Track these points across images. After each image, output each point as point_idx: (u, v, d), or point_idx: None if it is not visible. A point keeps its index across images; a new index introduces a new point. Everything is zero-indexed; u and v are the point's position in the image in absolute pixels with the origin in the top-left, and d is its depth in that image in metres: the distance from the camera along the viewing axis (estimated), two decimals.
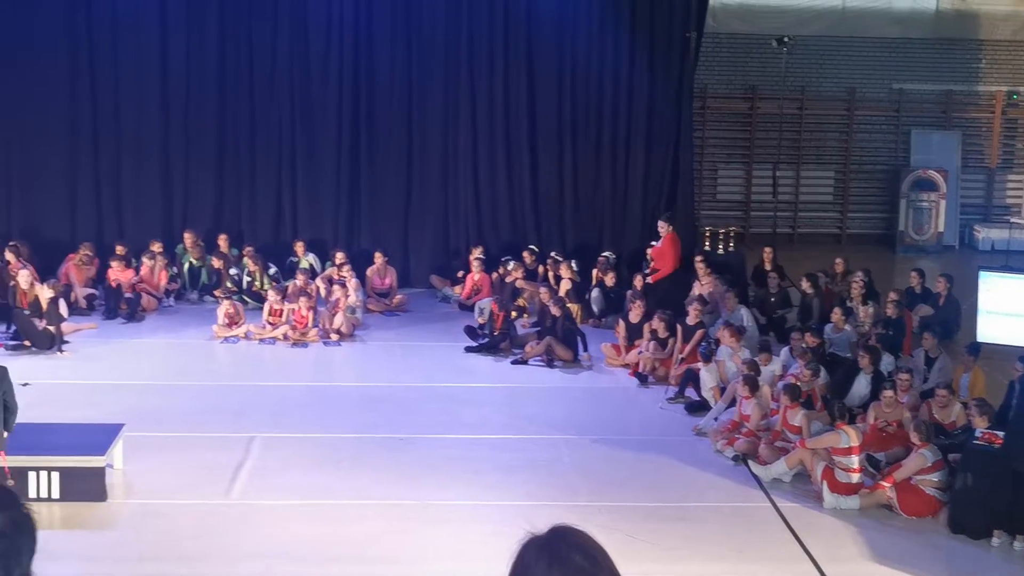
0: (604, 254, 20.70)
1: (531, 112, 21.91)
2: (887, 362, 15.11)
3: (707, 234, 23.05)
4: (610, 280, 19.76)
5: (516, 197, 22.08)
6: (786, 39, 22.89)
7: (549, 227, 22.10)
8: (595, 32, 21.77)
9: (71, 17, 21.22)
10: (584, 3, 21.67)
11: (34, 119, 21.32)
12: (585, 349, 17.35)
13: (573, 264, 20.10)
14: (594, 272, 20.18)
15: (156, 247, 20.36)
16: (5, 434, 11.02)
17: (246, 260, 20.34)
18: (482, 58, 21.69)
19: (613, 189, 22.17)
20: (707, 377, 15.24)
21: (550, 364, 17.06)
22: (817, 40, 25.82)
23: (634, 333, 17.31)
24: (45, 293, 17.50)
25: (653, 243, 20.64)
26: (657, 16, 21.75)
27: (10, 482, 11.02)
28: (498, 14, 21.65)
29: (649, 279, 19.52)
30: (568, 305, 18.19)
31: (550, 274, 20.24)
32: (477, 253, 20.78)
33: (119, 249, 20.02)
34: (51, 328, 17.23)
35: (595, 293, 19.72)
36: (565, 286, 19.31)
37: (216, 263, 20.44)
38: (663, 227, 19.97)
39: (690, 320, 16.84)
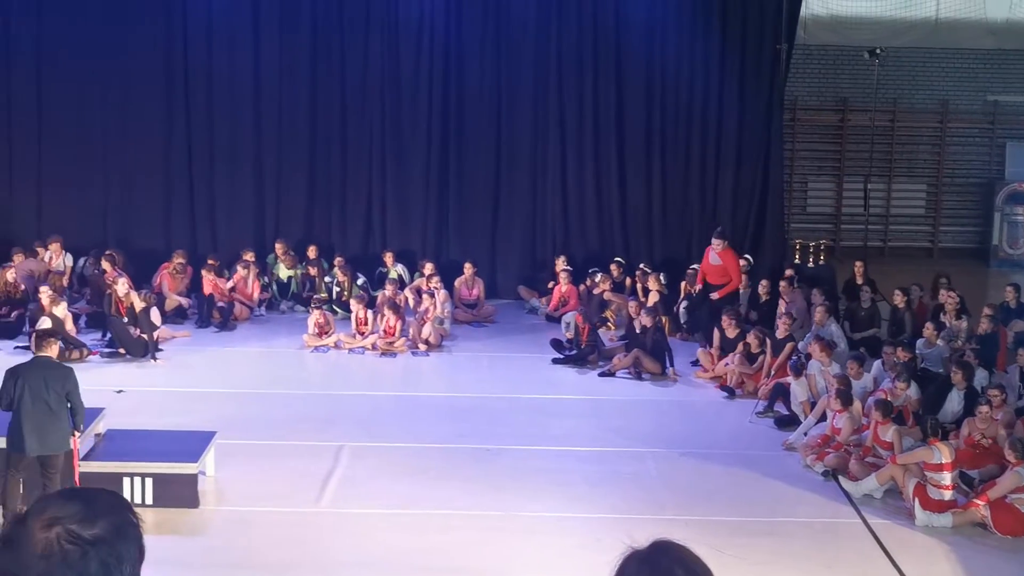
0: (692, 267, 20.60)
1: (620, 123, 21.91)
2: (980, 378, 14.88)
3: (797, 247, 22.87)
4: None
5: (604, 208, 22.07)
6: (878, 51, 22.66)
7: (637, 239, 22.07)
8: (685, 43, 21.73)
9: (167, 29, 21.61)
10: (674, 14, 21.63)
11: (130, 129, 21.74)
12: (671, 363, 17.28)
13: (661, 276, 20.03)
14: (682, 285, 20.09)
15: (248, 256, 20.63)
16: (77, 433, 11.14)
17: (336, 270, 20.55)
18: (571, 69, 21.74)
19: (702, 201, 22.09)
20: (797, 391, 15.11)
21: (639, 376, 17.02)
22: (910, 52, 25.54)
23: (729, 347, 17.22)
24: (139, 302, 17.79)
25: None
26: (748, 28, 21.67)
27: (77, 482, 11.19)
28: (587, 24, 21.68)
29: (715, 295, 19.25)
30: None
31: (638, 286, 20.19)
32: (563, 264, 20.77)
33: (211, 260, 20.32)
34: (145, 336, 17.50)
35: (683, 306, 19.63)
36: (653, 298, 19.25)
37: (312, 271, 20.68)
38: (719, 243, 19.24)
39: (780, 334, 16.71)
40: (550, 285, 20.97)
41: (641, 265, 20.69)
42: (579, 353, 17.80)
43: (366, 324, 18.59)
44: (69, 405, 10.96)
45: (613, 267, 20.67)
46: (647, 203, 22.08)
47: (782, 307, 18.32)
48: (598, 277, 20.29)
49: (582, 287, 20.38)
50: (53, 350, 11.26)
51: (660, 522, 11.47)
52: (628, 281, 20.60)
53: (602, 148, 21.95)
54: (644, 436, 14.57)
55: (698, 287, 19.42)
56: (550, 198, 22.04)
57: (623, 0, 21.63)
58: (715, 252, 19.10)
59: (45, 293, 17.84)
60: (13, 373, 11.27)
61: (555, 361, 17.77)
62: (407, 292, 19.96)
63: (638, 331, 17.53)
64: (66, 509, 2.44)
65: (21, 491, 11.03)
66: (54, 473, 11.01)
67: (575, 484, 12.86)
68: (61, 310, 17.32)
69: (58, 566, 2.38)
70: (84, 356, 17.33)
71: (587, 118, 21.90)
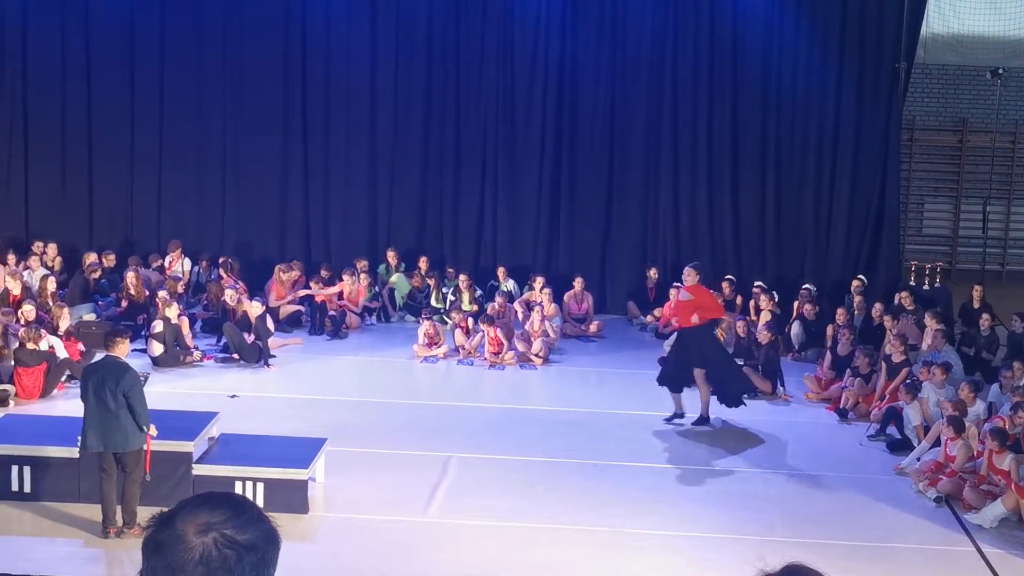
0: (806, 286, 20.39)
1: (734, 139, 21.78)
2: None
3: (912, 269, 22.51)
4: (810, 313, 19.45)
5: (716, 226, 21.95)
6: (1001, 71, 22.24)
7: (749, 257, 21.91)
8: (802, 61, 21.54)
9: (286, 41, 21.97)
10: (791, 30, 21.46)
11: (248, 138, 22.14)
12: (783, 383, 17.10)
13: (774, 295, 19.85)
14: (794, 304, 19.88)
15: (361, 265, 20.86)
16: (148, 430, 11.27)
17: (457, 281, 20.67)
18: (686, 85, 21.67)
19: (816, 220, 21.86)
20: (911, 415, 14.86)
21: (752, 396, 16.85)
22: None
23: (841, 366, 16.99)
24: (254, 309, 18.05)
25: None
26: (867, 46, 21.43)
27: (147, 478, 11.35)
28: (703, 41, 21.60)
29: (674, 323, 16.74)
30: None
31: (751, 304, 20.02)
32: (655, 276, 20.65)
33: (323, 271, 20.57)
34: (259, 342, 17.76)
35: (795, 326, 19.42)
36: (765, 317, 19.07)
37: (430, 281, 20.83)
38: (692, 275, 15.54)
39: (895, 357, 16.46)
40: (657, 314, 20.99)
41: (757, 283, 20.50)
42: None
43: (468, 335, 18.73)
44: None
45: (724, 285, 20.53)
46: (760, 221, 21.91)
47: (895, 329, 18.04)
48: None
49: None
50: (121, 349, 11.35)
51: (769, 543, 11.37)
52: (739, 299, 20.44)
53: (715, 165, 21.83)
54: (753, 456, 14.44)
55: (662, 326, 19.05)
56: (662, 214, 21.98)
57: (740, 16, 21.51)
58: (685, 288, 15.68)
59: (162, 297, 18.22)
60: (85, 372, 11.62)
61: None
62: (516, 305, 20.01)
63: (752, 349, 17.37)
64: (219, 514, 2.46)
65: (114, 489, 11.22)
66: (130, 471, 11.20)
67: (682, 502, 12.78)
68: (173, 312, 17.65)
69: (217, 571, 2.41)
70: (197, 360, 17.65)
71: (701, 135, 21.80)
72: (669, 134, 21.77)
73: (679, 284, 20.36)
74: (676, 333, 16.00)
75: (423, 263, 21.27)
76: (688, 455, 14.38)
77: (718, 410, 15.87)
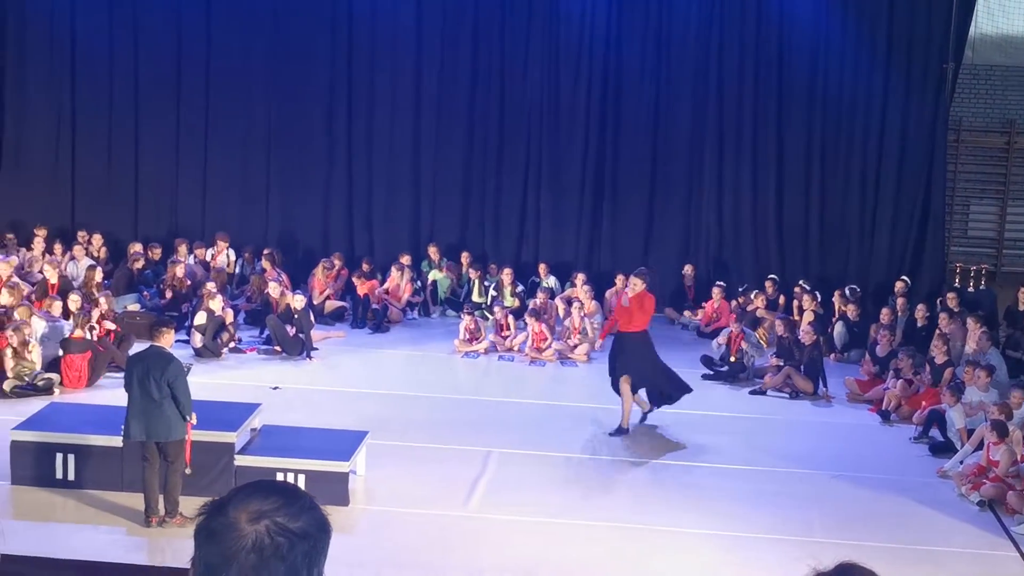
0: (849, 286, 20.27)
1: (779, 139, 21.68)
2: None
3: (957, 271, 22.34)
4: (853, 313, 19.34)
5: (759, 225, 21.85)
6: None
7: (792, 257, 21.80)
8: (848, 60, 21.41)
9: (332, 36, 22.05)
10: (837, 29, 21.33)
11: (294, 133, 22.23)
12: (825, 383, 17.02)
13: (817, 295, 19.75)
14: (834, 304, 19.77)
15: (404, 259, 20.91)
16: (191, 421, 11.32)
17: (499, 277, 20.67)
18: (731, 82, 21.58)
19: (860, 220, 21.73)
20: (955, 418, 14.75)
21: (794, 396, 16.79)
22: None
23: (882, 366, 16.89)
24: (297, 301, 18.13)
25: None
26: (914, 46, 21.27)
27: (188, 471, 11.42)
28: (749, 38, 21.50)
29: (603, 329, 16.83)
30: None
31: (794, 303, 19.93)
32: (692, 272, 20.73)
33: (365, 265, 20.64)
34: (301, 335, 17.84)
35: (838, 326, 19.32)
36: (808, 317, 18.97)
37: (473, 275, 20.86)
38: (639, 283, 14.83)
39: (938, 360, 16.35)
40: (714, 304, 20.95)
41: (800, 282, 20.40)
42: (730, 370, 17.65)
43: (509, 331, 18.76)
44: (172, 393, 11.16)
45: (767, 284, 20.45)
46: (804, 221, 21.80)
47: (948, 329, 17.87)
48: (753, 294, 20.10)
49: (734, 303, 20.20)
50: (166, 339, 11.44)
51: (809, 544, 11.33)
52: (782, 299, 20.36)
53: (760, 164, 21.74)
54: (794, 456, 14.37)
55: (599, 341, 17.59)
56: (704, 212, 21.91)
57: (787, 14, 21.40)
58: (629, 294, 14.93)
59: (207, 289, 18.34)
60: (129, 362, 11.73)
61: (705, 377, 17.64)
62: (558, 301, 20.00)
63: (794, 349, 17.30)
64: (271, 502, 2.47)
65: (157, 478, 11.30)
66: (172, 460, 11.28)
67: (722, 501, 12.74)
68: (217, 304, 17.77)
69: (270, 559, 2.42)
70: (236, 343, 17.80)
71: (746, 134, 21.71)
72: (713, 132, 21.69)
73: (721, 283, 20.42)
74: (614, 337, 15.30)
75: (465, 258, 21.31)
76: (727, 454, 14.33)
77: (759, 408, 15.77)
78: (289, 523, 2.45)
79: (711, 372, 17.73)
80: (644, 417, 15.28)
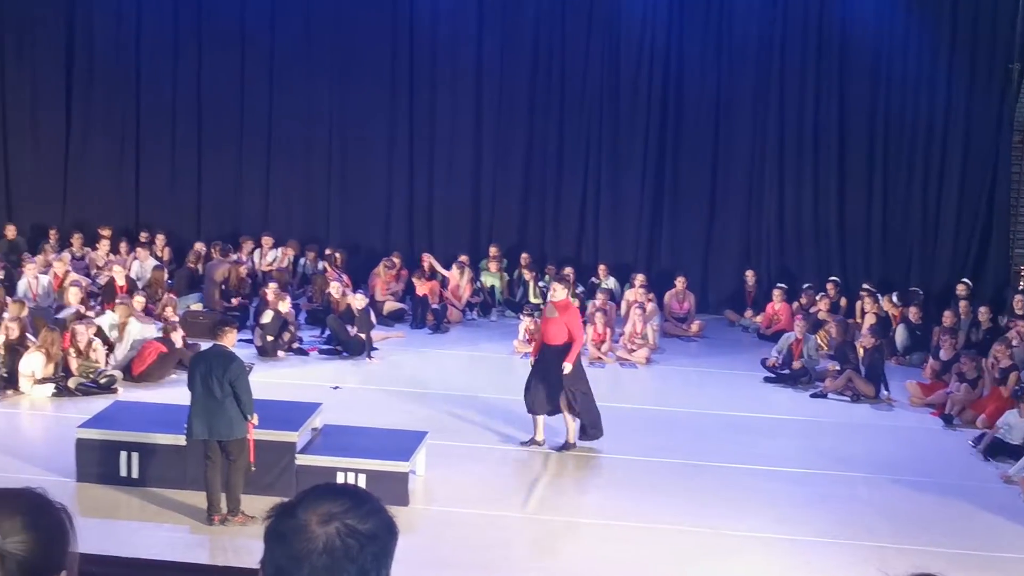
0: (911, 289, 20.09)
1: (841, 139, 21.51)
2: None
3: (1021, 273, 22.06)
4: (915, 316, 19.16)
5: (821, 227, 21.69)
6: None
7: (854, 259, 21.63)
8: (912, 59, 21.19)
9: (394, 37, 22.19)
10: (902, 30, 21.14)
11: (355, 135, 22.36)
12: (887, 387, 16.87)
13: (879, 298, 19.59)
14: (886, 307, 19.59)
15: (463, 259, 20.98)
16: (253, 420, 11.40)
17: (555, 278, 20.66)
18: (793, 83, 21.44)
19: (923, 222, 21.51)
20: (1019, 423, 14.58)
21: (855, 399, 16.66)
22: None
23: (944, 370, 16.73)
24: (357, 302, 18.23)
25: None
26: (979, 46, 21.03)
27: (252, 469, 11.50)
28: (811, 37, 21.36)
29: (566, 364, 13.75)
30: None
31: (857, 306, 19.78)
32: (753, 279, 20.53)
33: (425, 265, 20.70)
34: (362, 335, 17.93)
35: (900, 330, 19.14)
36: (869, 321, 18.83)
37: (528, 276, 20.88)
38: (560, 290, 14.03)
39: (1002, 363, 16.17)
40: (749, 305, 20.85)
41: (865, 285, 20.24)
42: (791, 373, 17.55)
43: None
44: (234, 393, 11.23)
45: (829, 286, 20.31)
46: (866, 223, 21.60)
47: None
48: (816, 296, 19.98)
49: (795, 305, 20.08)
50: (229, 339, 11.55)
51: (871, 548, 11.26)
52: (843, 302, 20.21)
53: (822, 165, 21.58)
54: (855, 460, 14.26)
55: (532, 359, 14.49)
56: (765, 214, 21.78)
57: (849, 15, 21.23)
58: (552, 303, 14.08)
59: (271, 288, 18.49)
60: (192, 361, 11.90)
61: (766, 380, 17.55)
62: (626, 303, 19.94)
63: (848, 351, 17.18)
64: (340, 504, 2.49)
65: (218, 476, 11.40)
66: (234, 459, 11.37)
67: (782, 505, 12.67)
68: (285, 306, 17.94)
69: (340, 561, 2.44)
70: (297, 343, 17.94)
71: (807, 133, 21.56)
72: (775, 133, 21.57)
73: (782, 285, 20.30)
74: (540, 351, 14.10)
75: (524, 259, 21.32)
76: (788, 458, 14.24)
77: (820, 411, 15.68)
78: (359, 525, 2.47)
79: (772, 375, 17.63)
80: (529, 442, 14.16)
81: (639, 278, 20.36)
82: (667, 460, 13.92)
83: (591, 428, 13.89)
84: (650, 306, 19.54)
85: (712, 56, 21.56)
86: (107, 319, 16.90)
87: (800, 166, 21.59)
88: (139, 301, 17.44)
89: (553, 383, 13.72)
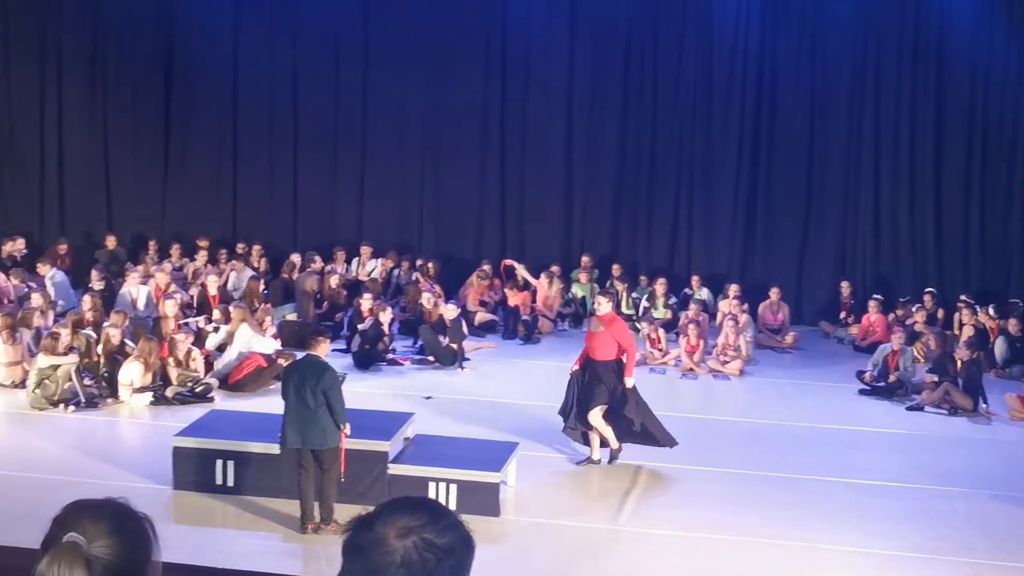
0: (1011, 300, 19.72)
1: (938, 148, 21.18)
2: None
3: None
4: (1015, 328, 18.80)
5: (918, 236, 21.37)
6: None
7: (952, 269, 21.28)
8: (1012, 60, 20.77)
9: (487, 45, 22.30)
10: (1001, 38, 20.76)
11: (448, 146, 22.48)
12: (985, 400, 16.57)
13: (977, 310, 19.25)
14: (982, 319, 19.25)
15: (554, 269, 20.97)
16: (345, 430, 11.47)
17: (651, 288, 20.58)
18: (888, 92, 21.15)
19: (1023, 232, 21.09)
20: None
21: (953, 412, 16.38)
22: None
23: None
24: (449, 312, 18.31)
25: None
26: None
27: (342, 479, 11.55)
28: (907, 47, 21.08)
29: (628, 380, 13.66)
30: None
31: (955, 318, 19.46)
32: (848, 289, 20.37)
33: (523, 272, 20.71)
34: (453, 345, 18.00)
35: (999, 342, 18.79)
36: (967, 333, 18.51)
37: (620, 287, 20.81)
38: (605, 303, 13.89)
39: None
40: (844, 315, 20.59)
41: (962, 297, 19.92)
42: (887, 385, 17.30)
43: (659, 343, 18.68)
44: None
45: (926, 297, 20.01)
46: (964, 232, 21.24)
47: None
48: (913, 307, 19.68)
49: (891, 316, 19.81)
50: (322, 349, 11.63)
51: (969, 565, 11.07)
52: (940, 313, 19.90)
53: (918, 175, 21.26)
54: (953, 474, 14.01)
55: (575, 368, 14.05)
56: (861, 224, 21.50)
57: (946, 22, 20.91)
58: (597, 317, 13.89)
59: (367, 299, 18.64)
60: (286, 371, 12.07)
61: (861, 392, 17.33)
62: (718, 313, 19.82)
63: (947, 363, 16.90)
64: (418, 518, 2.51)
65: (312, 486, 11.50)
66: (327, 469, 11.44)
67: (878, 519, 12.49)
68: (387, 316, 18.10)
69: (418, 574, 2.45)
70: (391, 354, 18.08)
71: (903, 144, 21.25)
72: (870, 142, 21.29)
73: (878, 296, 20.02)
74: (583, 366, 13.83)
75: (615, 269, 21.26)
76: (884, 471, 14.03)
77: (916, 425, 15.43)
78: (436, 539, 2.49)
79: (867, 387, 17.40)
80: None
81: (733, 288, 20.21)
82: (760, 473, 13.78)
83: (663, 438, 13.65)
84: (743, 317, 19.39)
85: (806, 61, 21.34)
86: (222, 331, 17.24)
87: (896, 173, 21.29)
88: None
89: (590, 398, 13.44)
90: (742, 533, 11.91)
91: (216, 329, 17.40)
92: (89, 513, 2.59)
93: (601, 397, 13.41)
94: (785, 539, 11.80)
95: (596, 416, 13.47)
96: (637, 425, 13.50)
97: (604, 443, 13.72)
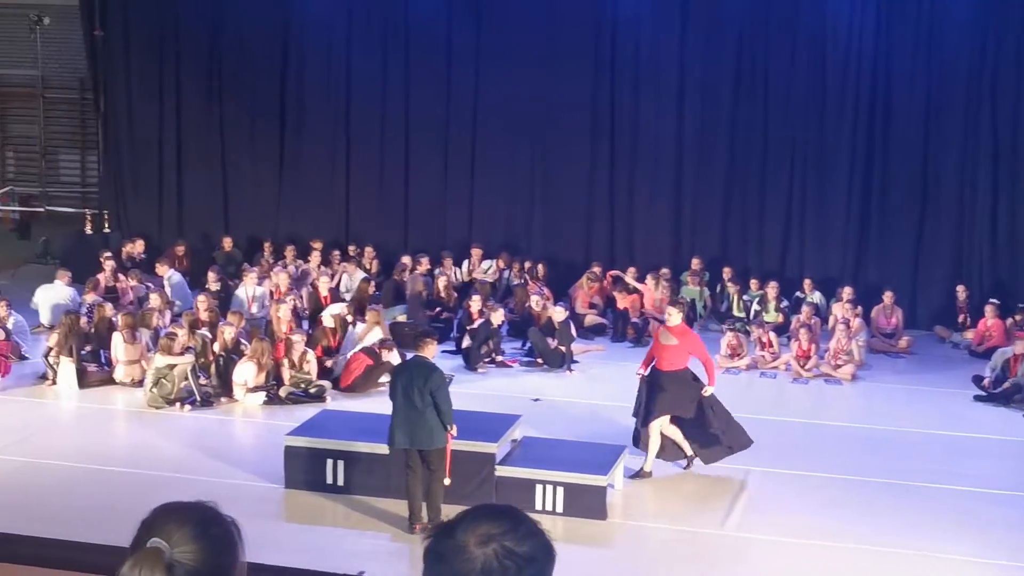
0: None
1: None
2: None
3: None
4: None
5: None
6: None
7: None
8: None
9: (596, 48, 22.23)
10: None
11: (559, 149, 22.48)
12: None
13: None
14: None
15: (663, 273, 20.87)
16: (452, 431, 11.51)
17: (763, 291, 20.39)
18: (1006, 93, 20.67)
19: None
20: None
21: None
22: None
23: None
24: (558, 314, 18.33)
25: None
26: None
27: (447, 481, 11.60)
28: None
29: (706, 390, 13.55)
30: None
31: None
32: (962, 295, 20.08)
33: (628, 279, 20.67)
34: (562, 348, 18.02)
35: None
36: None
37: (732, 289, 20.67)
38: (676, 314, 13.63)
39: None
40: (961, 319, 20.21)
41: None
42: (1004, 391, 16.95)
43: (771, 347, 18.52)
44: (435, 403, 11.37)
45: None
46: None
47: None
48: None
49: (1009, 321, 19.39)
50: (430, 350, 11.75)
51: None
52: None
53: None
54: None
55: (641, 371, 13.76)
56: (978, 227, 21.07)
57: None
58: (667, 328, 13.65)
59: (476, 300, 18.76)
60: (394, 372, 12.26)
61: (977, 398, 17.01)
62: (831, 317, 19.56)
63: None
64: (498, 525, 2.53)
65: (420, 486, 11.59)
66: (434, 469, 11.53)
67: (994, 528, 12.26)
68: (498, 318, 18.21)
69: None
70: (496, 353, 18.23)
71: (1021, 144, 20.76)
72: (987, 143, 20.84)
73: (995, 300, 19.61)
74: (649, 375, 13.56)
75: (727, 272, 21.09)
76: (1000, 479, 13.77)
77: None
78: (516, 547, 2.50)
79: (984, 394, 17.07)
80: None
81: (846, 292, 19.94)
82: (872, 479, 13.60)
83: (739, 442, 13.43)
84: (856, 321, 19.12)
85: (922, 61, 20.96)
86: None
87: (1013, 174, 20.81)
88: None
89: (653, 406, 13.23)
90: (852, 540, 11.77)
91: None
92: (175, 517, 2.64)
93: (664, 406, 13.21)
94: (897, 547, 11.63)
95: (657, 427, 13.25)
96: (717, 429, 13.30)
97: (660, 454, 13.48)
